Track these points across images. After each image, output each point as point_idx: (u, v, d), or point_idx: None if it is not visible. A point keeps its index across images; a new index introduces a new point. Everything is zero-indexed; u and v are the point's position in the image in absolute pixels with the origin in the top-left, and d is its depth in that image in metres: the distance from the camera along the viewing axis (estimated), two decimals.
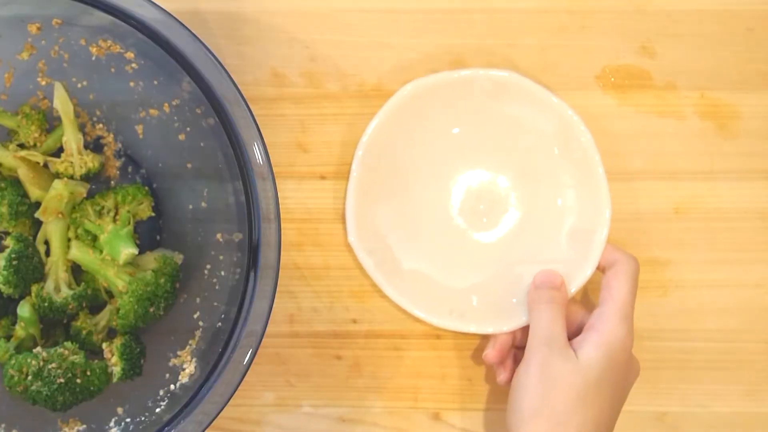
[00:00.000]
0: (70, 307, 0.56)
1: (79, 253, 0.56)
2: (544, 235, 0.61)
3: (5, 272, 0.54)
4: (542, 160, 0.61)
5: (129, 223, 0.57)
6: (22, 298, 0.56)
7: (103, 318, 0.58)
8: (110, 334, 0.58)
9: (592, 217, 0.60)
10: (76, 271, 0.58)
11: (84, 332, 0.56)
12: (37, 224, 0.58)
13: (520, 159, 0.62)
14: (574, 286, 0.59)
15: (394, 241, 0.61)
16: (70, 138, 0.57)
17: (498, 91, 0.61)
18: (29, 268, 0.55)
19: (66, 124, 0.57)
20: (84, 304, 0.57)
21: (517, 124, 0.61)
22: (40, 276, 0.56)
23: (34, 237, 0.58)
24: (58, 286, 0.56)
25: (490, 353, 0.59)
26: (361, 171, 0.61)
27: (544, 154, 0.61)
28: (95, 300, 0.58)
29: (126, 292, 0.55)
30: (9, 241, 0.56)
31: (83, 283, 0.57)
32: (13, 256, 0.54)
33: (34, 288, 0.55)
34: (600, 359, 0.53)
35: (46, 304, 0.55)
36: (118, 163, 0.61)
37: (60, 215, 0.57)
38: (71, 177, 0.58)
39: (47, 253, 0.57)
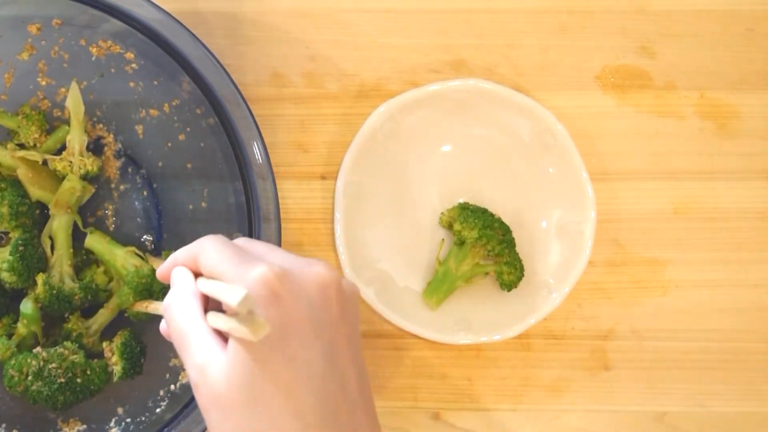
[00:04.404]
0: (76, 297, 0.56)
1: (93, 241, 0.58)
2: (533, 244, 0.61)
3: (11, 257, 0.54)
4: (523, 165, 0.62)
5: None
6: (24, 295, 0.56)
7: (95, 322, 0.58)
8: (110, 334, 0.58)
9: (579, 217, 0.60)
10: (76, 270, 0.58)
11: (74, 334, 0.57)
12: (37, 224, 0.58)
13: (503, 169, 0.62)
14: (567, 286, 0.59)
15: (388, 265, 0.61)
16: (75, 138, 0.58)
17: (471, 101, 0.61)
18: (34, 257, 0.55)
19: (74, 124, 0.57)
20: (89, 297, 0.57)
21: (495, 133, 0.62)
22: (44, 268, 0.57)
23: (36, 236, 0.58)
24: (62, 279, 0.57)
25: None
26: (345, 202, 0.61)
27: (523, 160, 0.62)
28: (96, 296, 0.58)
29: (126, 282, 0.56)
30: (14, 233, 0.56)
31: (89, 276, 0.58)
32: (19, 242, 0.55)
33: (41, 277, 0.56)
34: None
35: (54, 292, 0.55)
36: (118, 163, 0.61)
37: (68, 210, 0.57)
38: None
39: (52, 249, 0.58)
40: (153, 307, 0.53)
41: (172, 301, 0.41)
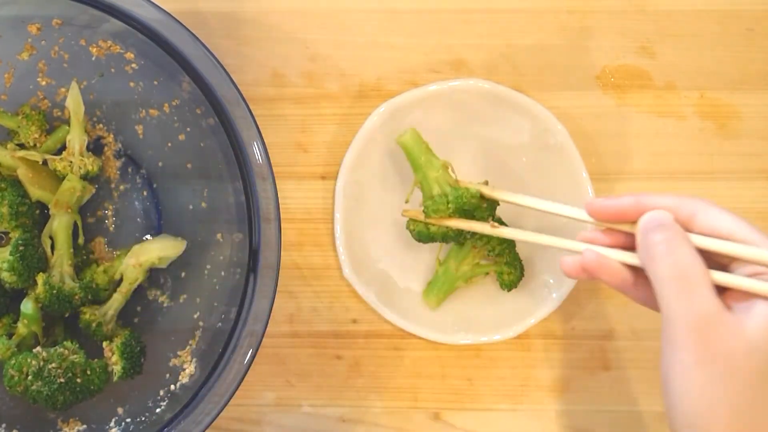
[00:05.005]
0: (76, 297, 0.56)
1: (409, 139, 0.57)
2: (533, 244, 0.61)
3: (11, 257, 0.54)
4: (523, 165, 0.62)
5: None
6: (24, 295, 0.57)
7: (110, 308, 0.58)
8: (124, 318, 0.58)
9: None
10: (76, 270, 0.58)
11: (94, 324, 0.57)
12: (37, 224, 0.58)
13: (503, 169, 0.62)
14: (567, 286, 0.60)
15: (388, 265, 0.61)
16: (75, 138, 0.58)
17: (471, 101, 0.61)
18: (34, 257, 0.55)
19: (74, 123, 0.58)
20: (89, 296, 0.57)
21: (495, 133, 0.62)
22: (45, 268, 0.57)
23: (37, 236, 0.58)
24: (62, 279, 0.57)
25: (569, 262, 0.48)
26: (345, 202, 0.61)
27: (523, 160, 0.62)
28: (96, 296, 0.58)
29: (457, 194, 0.56)
30: (14, 233, 0.56)
31: (89, 276, 0.58)
32: (20, 242, 0.55)
33: (41, 277, 0.55)
34: None
35: (54, 291, 0.55)
36: (118, 163, 0.61)
37: (68, 210, 0.57)
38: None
39: (52, 249, 0.58)
40: (478, 226, 0.56)
41: (672, 242, 0.42)
